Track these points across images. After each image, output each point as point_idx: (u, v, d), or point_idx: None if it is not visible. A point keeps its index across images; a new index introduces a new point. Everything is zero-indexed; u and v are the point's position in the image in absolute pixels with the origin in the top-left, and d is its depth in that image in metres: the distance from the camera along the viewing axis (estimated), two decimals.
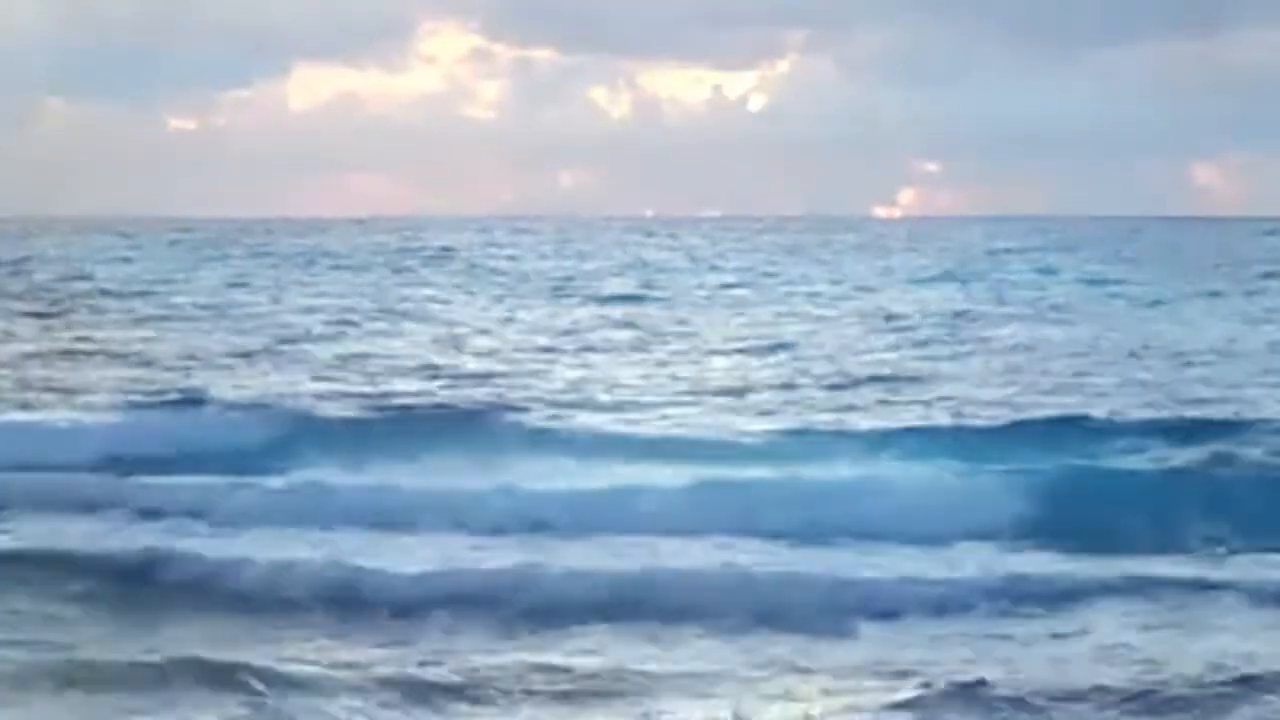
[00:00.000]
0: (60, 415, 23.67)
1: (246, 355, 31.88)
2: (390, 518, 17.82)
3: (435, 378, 29.02)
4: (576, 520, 17.68)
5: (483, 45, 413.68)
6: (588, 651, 12.81)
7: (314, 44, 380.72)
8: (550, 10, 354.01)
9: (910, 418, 23.85)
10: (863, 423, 23.35)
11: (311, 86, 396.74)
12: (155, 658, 12.08)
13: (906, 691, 11.64)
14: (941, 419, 23.65)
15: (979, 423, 23.03)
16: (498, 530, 17.35)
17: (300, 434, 22.30)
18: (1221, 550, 16.26)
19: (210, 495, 18.73)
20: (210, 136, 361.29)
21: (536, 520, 17.68)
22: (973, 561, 15.70)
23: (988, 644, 13.07)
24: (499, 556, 15.90)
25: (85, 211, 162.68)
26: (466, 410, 24.71)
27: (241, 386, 27.11)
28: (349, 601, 14.46)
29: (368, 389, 27.14)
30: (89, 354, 31.98)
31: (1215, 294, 47.71)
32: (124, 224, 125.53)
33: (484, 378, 29.06)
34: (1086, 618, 13.71)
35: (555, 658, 12.48)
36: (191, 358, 31.39)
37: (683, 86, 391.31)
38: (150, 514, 17.97)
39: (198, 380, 27.68)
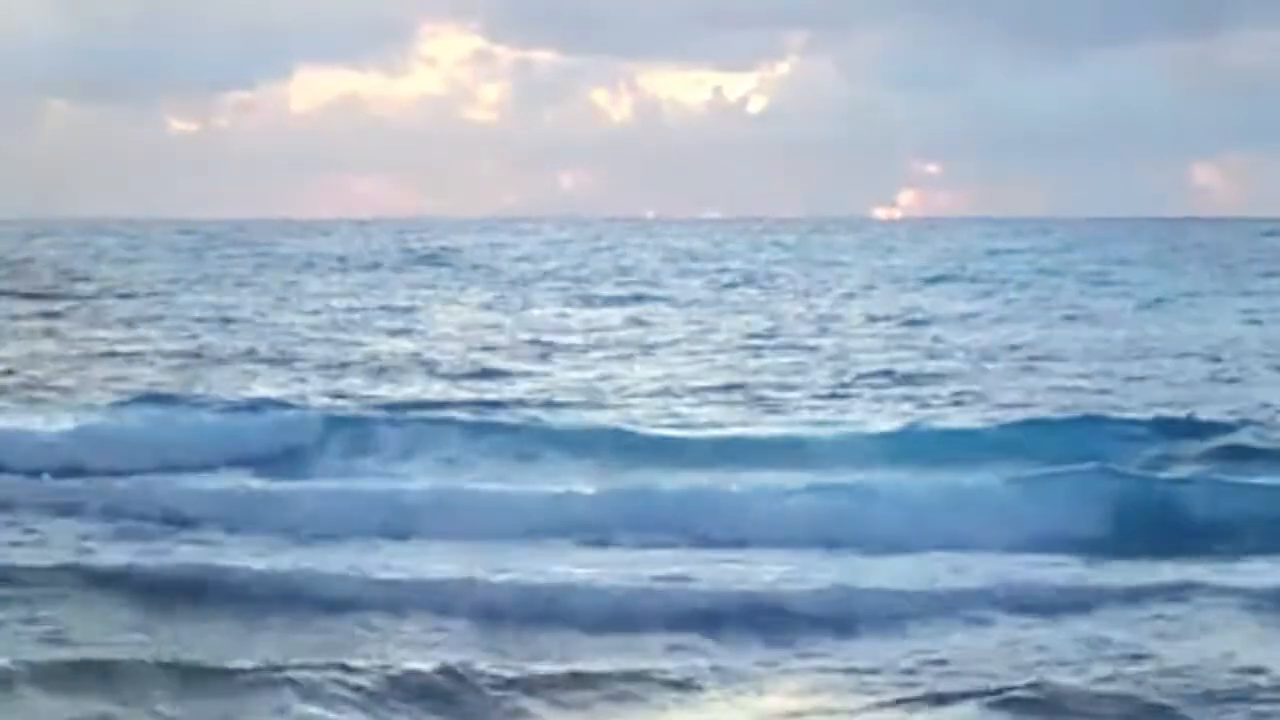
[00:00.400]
0: (84, 418, 23.23)
1: (266, 358, 31.79)
2: (412, 523, 17.48)
3: (448, 377, 29.01)
4: (592, 525, 17.42)
5: (484, 47, 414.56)
6: (598, 655, 12.69)
7: (316, 46, 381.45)
8: (551, 12, 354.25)
9: (929, 415, 23.96)
10: (883, 423, 23.27)
11: (313, 88, 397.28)
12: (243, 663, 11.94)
13: (917, 691, 11.60)
14: (960, 419, 23.62)
15: (992, 424, 22.92)
16: (530, 534, 17.09)
17: (327, 436, 22.05)
18: (1240, 554, 16.16)
19: (239, 500, 18.46)
20: (212, 138, 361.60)
21: (552, 525, 17.43)
22: (986, 566, 15.58)
23: (1008, 648, 12.94)
24: (530, 563, 15.62)
25: (87, 213, 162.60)
26: (489, 411, 24.59)
27: (259, 389, 27.04)
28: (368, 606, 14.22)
29: (385, 391, 27.01)
30: (105, 356, 31.81)
31: (1220, 293, 47.75)
32: (124, 225, 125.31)
33: (502, 376, 29.05)
34: (1107, 622, 13.56)
35: (571, 665, 12.34)
36: (208, 359, 31.30)
37: (683, 88, 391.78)
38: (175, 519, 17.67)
39: (219, 382, 27.55)
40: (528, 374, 29.58)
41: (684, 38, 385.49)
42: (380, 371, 29.74)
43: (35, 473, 19.85)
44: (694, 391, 27.36)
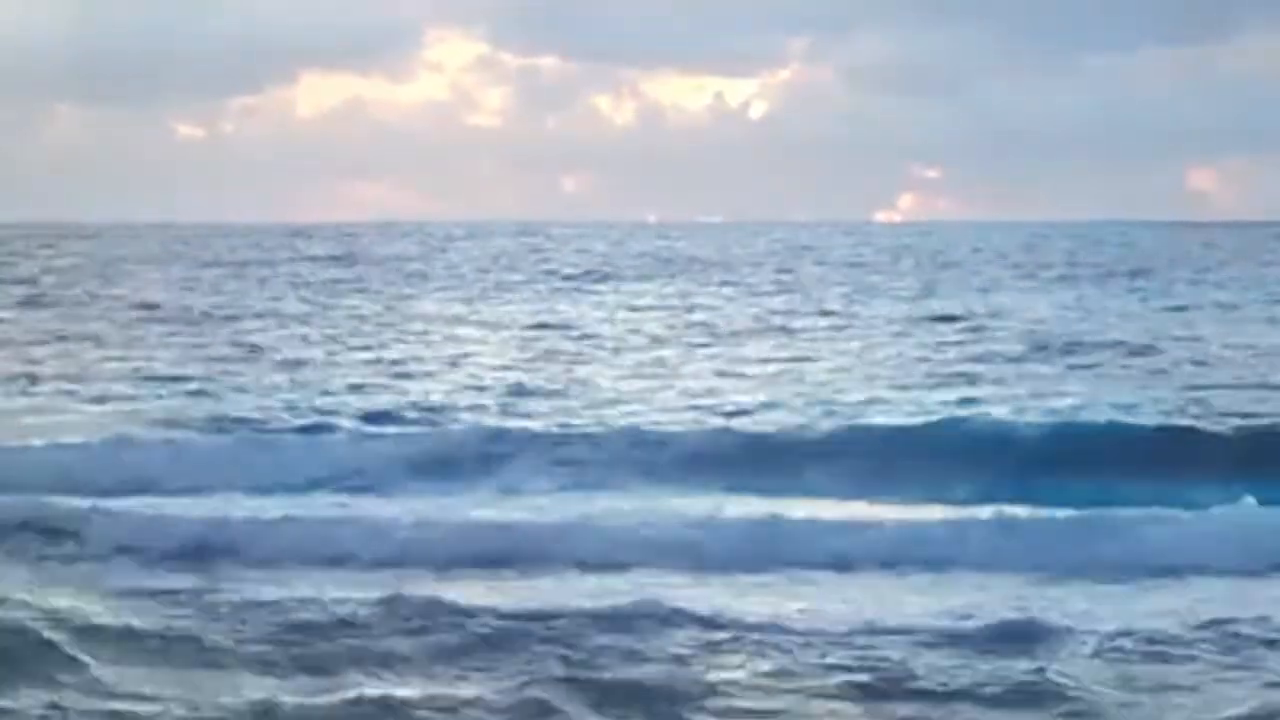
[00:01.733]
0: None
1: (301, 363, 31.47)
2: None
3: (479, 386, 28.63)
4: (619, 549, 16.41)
5: (488, 53, 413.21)
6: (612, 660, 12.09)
7: (321, 51, 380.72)
8: (555, 19, 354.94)
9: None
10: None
11: (319, 93, 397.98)
12: None
13: None
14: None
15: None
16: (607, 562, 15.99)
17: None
18: None
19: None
20: (218, 142, 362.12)
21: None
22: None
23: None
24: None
25: (92, 218, 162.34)
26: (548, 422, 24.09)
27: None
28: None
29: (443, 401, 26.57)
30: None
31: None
32: (125, 229, 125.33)
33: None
34: None
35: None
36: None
37: (685, 93, 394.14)
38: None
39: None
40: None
41: (686, 44, 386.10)
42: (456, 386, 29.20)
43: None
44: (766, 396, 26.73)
